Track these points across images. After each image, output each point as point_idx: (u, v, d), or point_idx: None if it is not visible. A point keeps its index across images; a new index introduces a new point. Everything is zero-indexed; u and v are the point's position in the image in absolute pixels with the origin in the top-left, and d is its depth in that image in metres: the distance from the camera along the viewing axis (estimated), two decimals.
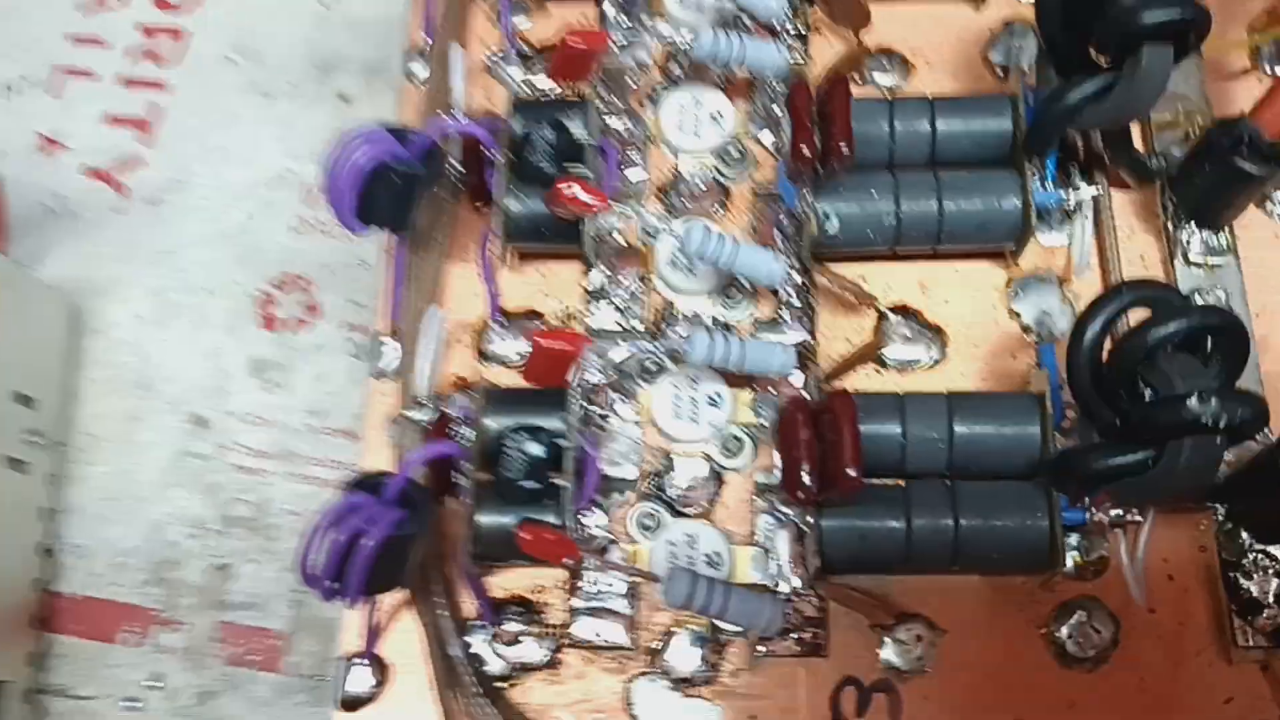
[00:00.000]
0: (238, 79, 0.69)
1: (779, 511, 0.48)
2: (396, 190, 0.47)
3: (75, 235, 0.64)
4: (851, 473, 0.42)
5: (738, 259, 0.48)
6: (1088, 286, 0.52)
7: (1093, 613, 0.45)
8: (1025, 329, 0.51)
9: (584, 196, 0.47)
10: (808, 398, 0.47)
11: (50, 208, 0.65)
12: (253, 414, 0.61)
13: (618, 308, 0.52)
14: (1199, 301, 0.49)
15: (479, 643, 0.46)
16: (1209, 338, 0.42)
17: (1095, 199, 0.51)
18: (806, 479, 0.42)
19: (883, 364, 0.51)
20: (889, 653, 0.46)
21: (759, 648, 0.47)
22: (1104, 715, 0.45)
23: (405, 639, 0.46)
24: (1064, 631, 0.45)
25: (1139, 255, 0.52)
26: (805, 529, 0.46)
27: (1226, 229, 0.51)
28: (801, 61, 0.56)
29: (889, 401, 0.47)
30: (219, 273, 0.64)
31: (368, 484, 0.44)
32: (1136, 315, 0.44)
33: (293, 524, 0.59)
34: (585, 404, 0.49)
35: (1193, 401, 0.40)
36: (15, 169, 0.65)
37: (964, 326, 0.51)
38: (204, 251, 0.65)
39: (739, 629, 0.46)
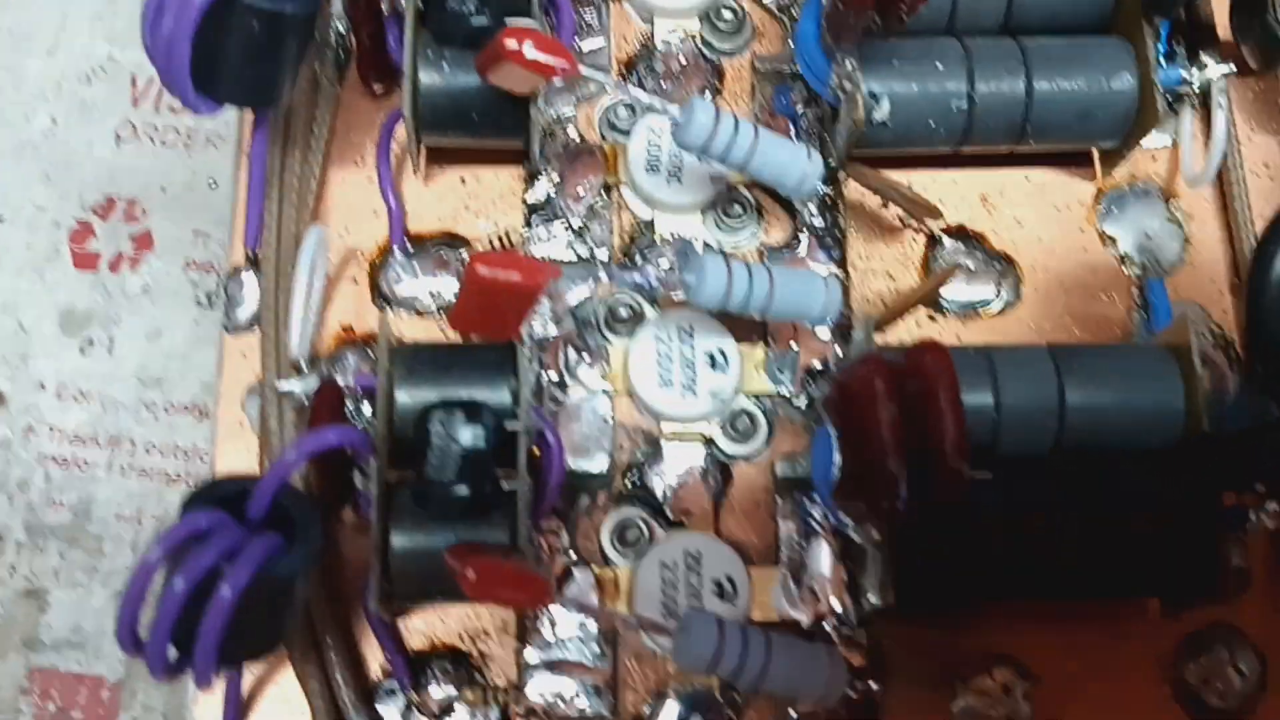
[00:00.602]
0: None
1: (814, 519, 0.35)
2: (254, 40, 0.35)
3: None
4: (957, 468, 0.29)
5: (758, 153, 0.34)
6: (1200, 204, 0.41)
7: (1233, 648, 0.36)
8: (1122, 259, 0.40)
9: (540, 54, 0.32)
10: (883, 358, 0.33)
11: None
12: (66, 385, 0.51)
13: (573, 229, 0.40)
14: None
15: (392, 714, 0.36)
16: None
17: (1227, 79, 0.38)
18: (895, 479, 0.29)
19: (939, 308, 0.39)
20: (967, 710, 0.35)
21: (791, 711, 0.35)
22: None
23: (285, 713, 0.36)
24: (1196, 674, 0.36)
25: (1261, 163, 0.41)
26: (868, 546, 0.33)
27: None
28: None
29: (974, 361, 0.34)
30: (16, 196, 0.53)
31: (223, 496, 0.31)
32: None
33: (124, 533, 0.50)
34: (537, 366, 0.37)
35: None
36: None
37: (1042, 255, 0.40)
38: None
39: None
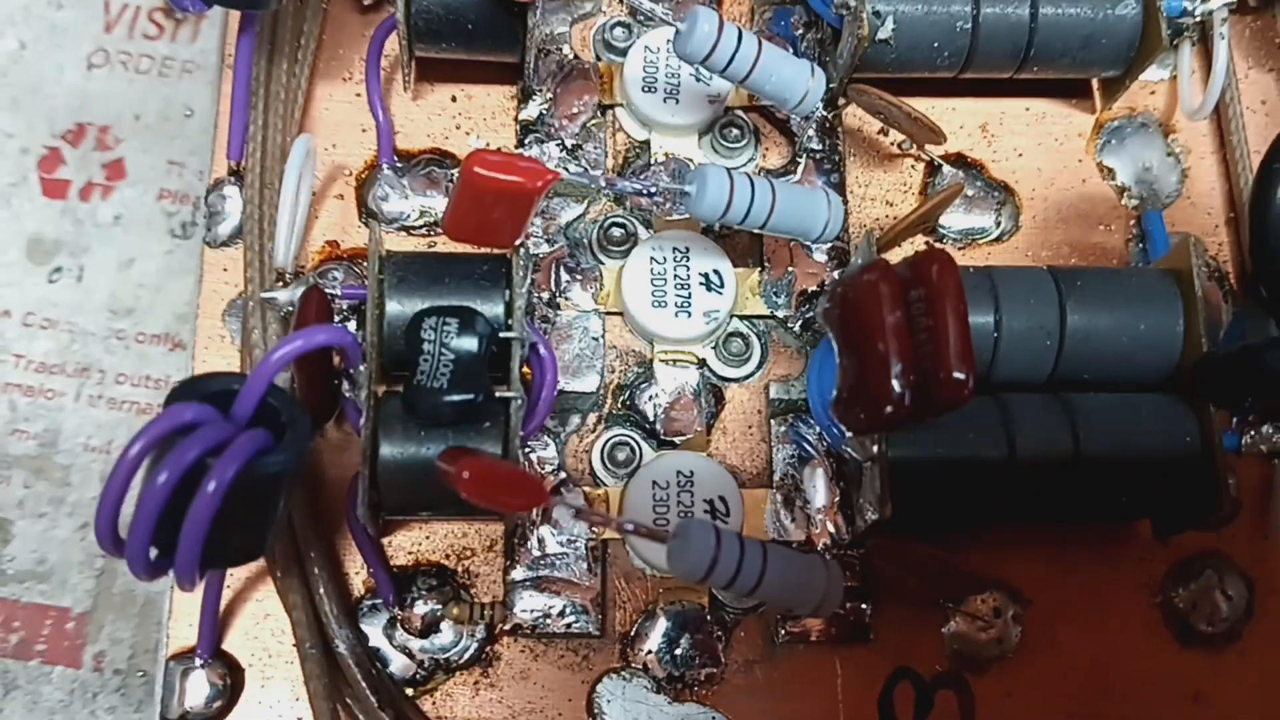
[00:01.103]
0: None
1: (808, 441, 0.34)
2: None
3: None
4: (960, 375, 0.28)
5: (761, 66, 0.33)
6: (1198, 138, 0.40)
7: (1222, 573, 0.36)
8: (1121, 191, 0.40)
9: None
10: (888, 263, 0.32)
11: None
12: (33, 313, 0.48)
13: (567, 148, 0.38)
14: None
15: (376, 632, 0.35)
16: None
17: (1229, 7, 0.38)
18: (898, 385, 0.28)
19: (938, 235, 0.38)
20: (957, 634, 0.35)
21: (781, 630, 0.35)
22: (1237, 709, 0.36)
23: (265, 629, 0.35)
24: (1185, 599, 0.36)
25: (1258, 99, 0.41)
26: (864, 461, 0.32)
27: None
28: None
29: (975, 280, 0.34)
30: None
31: (208, 392, 0.29)
32: None
33: (93, 464, 0.46)
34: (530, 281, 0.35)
35: None
36: None
37: (1041, 185, 0.40)
38: None
39: (778, 609, 0.33)
